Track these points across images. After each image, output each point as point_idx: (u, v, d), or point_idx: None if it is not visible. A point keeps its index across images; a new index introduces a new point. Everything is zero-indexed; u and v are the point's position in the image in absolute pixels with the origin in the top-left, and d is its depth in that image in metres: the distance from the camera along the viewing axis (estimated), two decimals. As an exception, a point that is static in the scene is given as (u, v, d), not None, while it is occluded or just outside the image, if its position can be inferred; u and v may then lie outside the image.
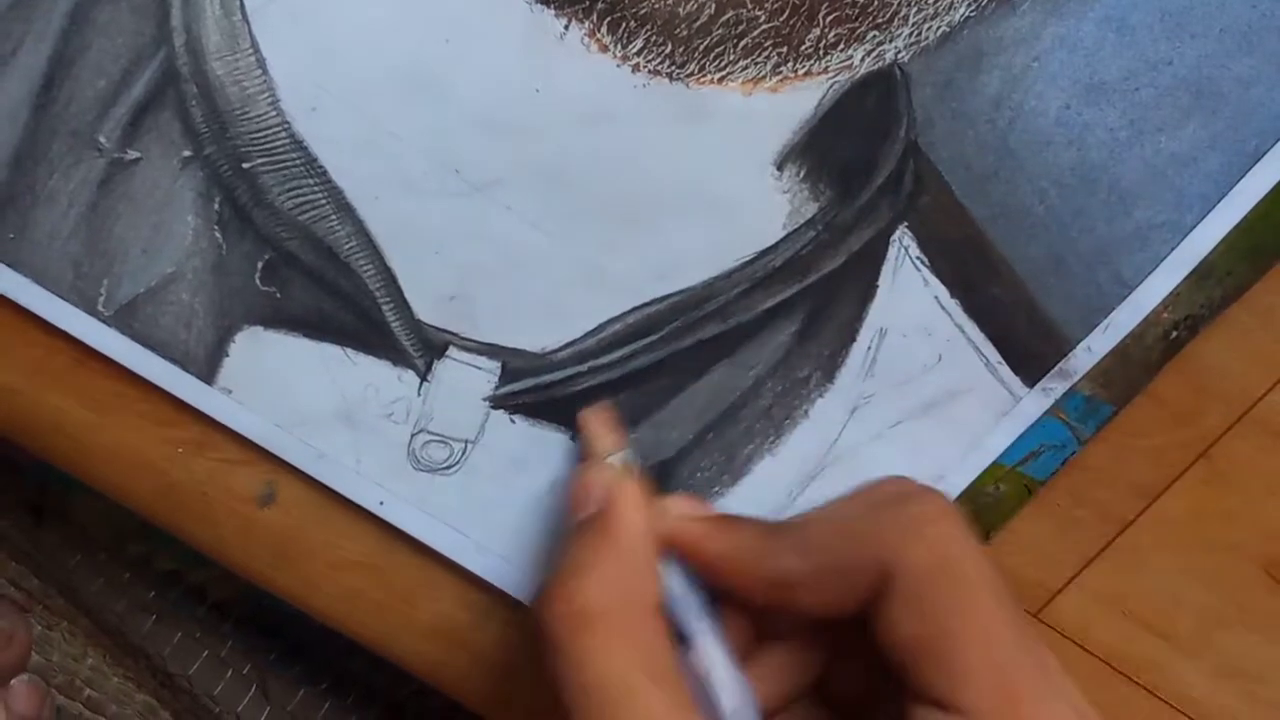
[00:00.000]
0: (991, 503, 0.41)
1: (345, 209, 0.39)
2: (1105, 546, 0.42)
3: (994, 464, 0.41)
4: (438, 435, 0.41)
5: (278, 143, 0.39)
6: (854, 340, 0.40)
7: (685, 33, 0.38)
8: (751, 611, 0.36)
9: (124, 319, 0.40)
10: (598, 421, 0.40)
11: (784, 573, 0.34)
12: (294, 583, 0.43)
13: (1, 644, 0.40)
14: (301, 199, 0.39)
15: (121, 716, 0.47)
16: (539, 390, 0.41)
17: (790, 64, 0.38)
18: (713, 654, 0.35)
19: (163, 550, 0.51)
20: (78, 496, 0.50)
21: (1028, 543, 0.42)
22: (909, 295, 0.40)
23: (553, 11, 0.38)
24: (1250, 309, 0.40)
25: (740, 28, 0.38)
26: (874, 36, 0.38)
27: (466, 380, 0.40)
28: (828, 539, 0.34)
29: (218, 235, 0.40)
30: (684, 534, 0.36)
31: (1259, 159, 0.39)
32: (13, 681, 0.41)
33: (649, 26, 0.38)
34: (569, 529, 0.37)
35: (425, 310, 0.40)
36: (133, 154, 0.39)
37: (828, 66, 0.38)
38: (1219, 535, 0.42)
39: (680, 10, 0.37)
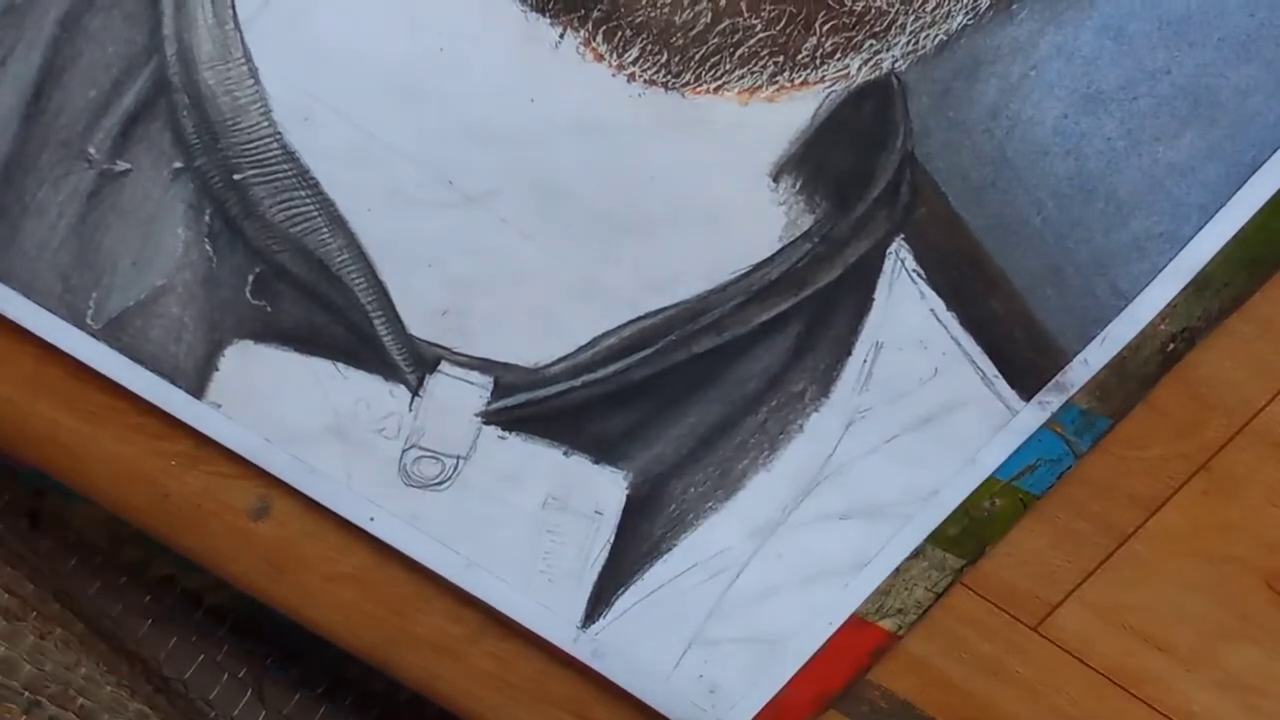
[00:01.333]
0: (987, 518, 0.41)
1: (337, 221, 0.39)
2: (1105, 559, 0.42)
3: (989, 478, 0.41)
4: (429, 451, 0.41)
5: (269, 154, 0.39)
6: (850, 354, 0.40)
7: (681, 41, 0.37)
8: None
9: (113, 332, 0.40)
10: None
11: None
12: (289, 594, 0.43)
13: None
14: (293, 211, 0.39)
15: (114, 726, 0.47)
16: (532, 405, 0.40)
17: (787, 73, 0.38)
18: None
19: (159, 555, 0.51)
20: (74, 501, 0.50)
21: (1027, 555, 0.42)
22: (905, 308, 0.40)
23: (548, 20, 0.38)
24: (1250, 320, 0.40)
25: (736, 36, 0.37)
26: (871, 45, 0.38)
27: (458, 395, 0.40)
28: None
29: (208, 248, 0.39)
30: None
31: (1257, 169, 0.39)
32: None
33: (645, 35, 0.37)
34: None
35: (417, 324, 0.40)
36: (123, 165, 0.39)
37: (824, 75, 0.38)
38: (1220, 547, 0.42)
39: (676, 19, 0.37)
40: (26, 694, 0.44)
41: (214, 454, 0.41)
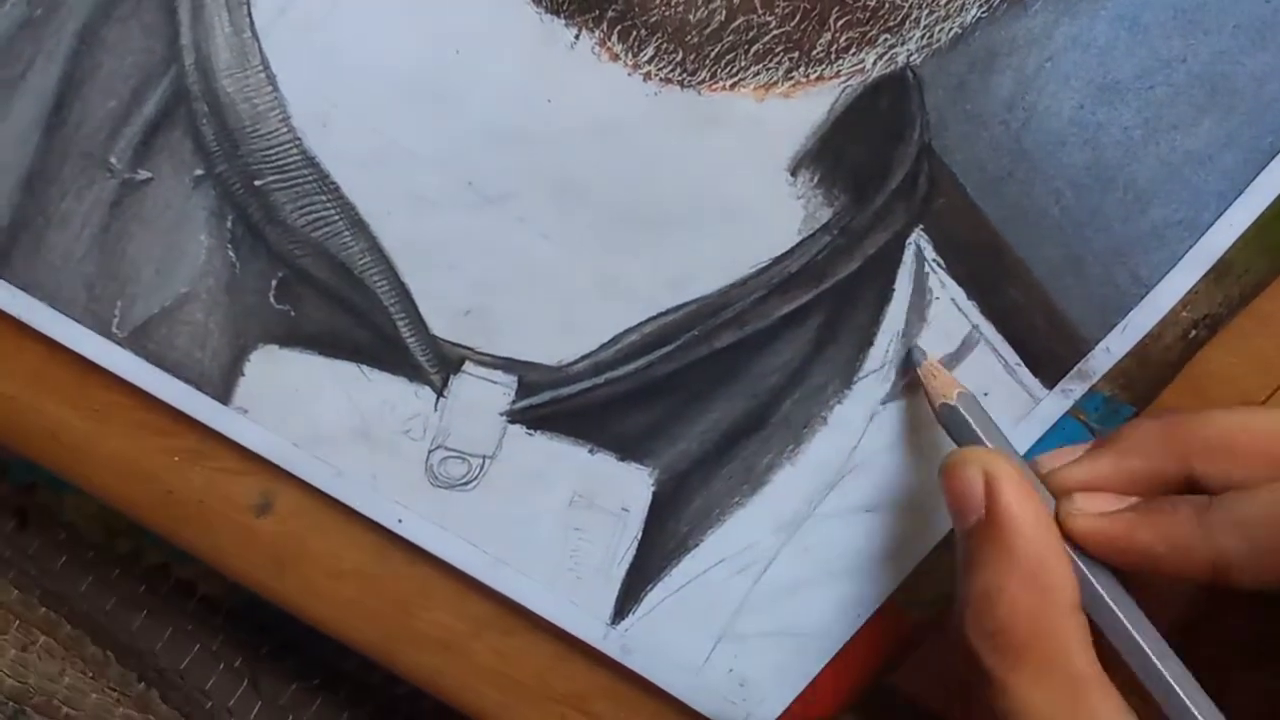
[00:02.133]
0: (1014, 507, 0.41)
1: (358, 225, 0.39)
2: None
3: (1015, 467, 0.41)
4: (455, 451, 0.41)
5: (289, 159, 0.39)
6: (871, 345, 0.40)
7: (696, 40, 0.38)
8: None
9: (138, 340, 0.40)
10: (932, 368, 0.39)
11: (1225, 555, 0.33)
12: (292, 591, 0.43)
13: None
14: (314, 216, 0.39)
15: (101, 734, 0.48)
16: (556, 403, 0.40)
17: (802, 69, 0.38)
18: (1168, 674, 0.33)
19: (152, 545, 0.51)
20: (67, 494, 0.50)
21: None
22: (926, 298, 0.40)
23: (563, 21, 0.38)
24: (1250, 315, 0.40)
25: (751, 33, 0.37)
26: (886, 39, 0.38)
27: (483, 395, 0.40)
28: (1271, 515, 0.33)
29: (231, 254, 0.40)
30: (1107, 531, 0.35)
31: (1275, 155, 0.39)
32: None
33: (659, 34, 0.38)
34: (960, 535, 0.36)
35: (440, 325, 0.40)
36: (144, 174, 0.39)
37: (840, 70, 0.38)
38: None
39: (691, 17, 0.37)
40: (11, 704, 0.44)
41: (217, 450, 0.41)
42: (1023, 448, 0.40)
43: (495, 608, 0.42)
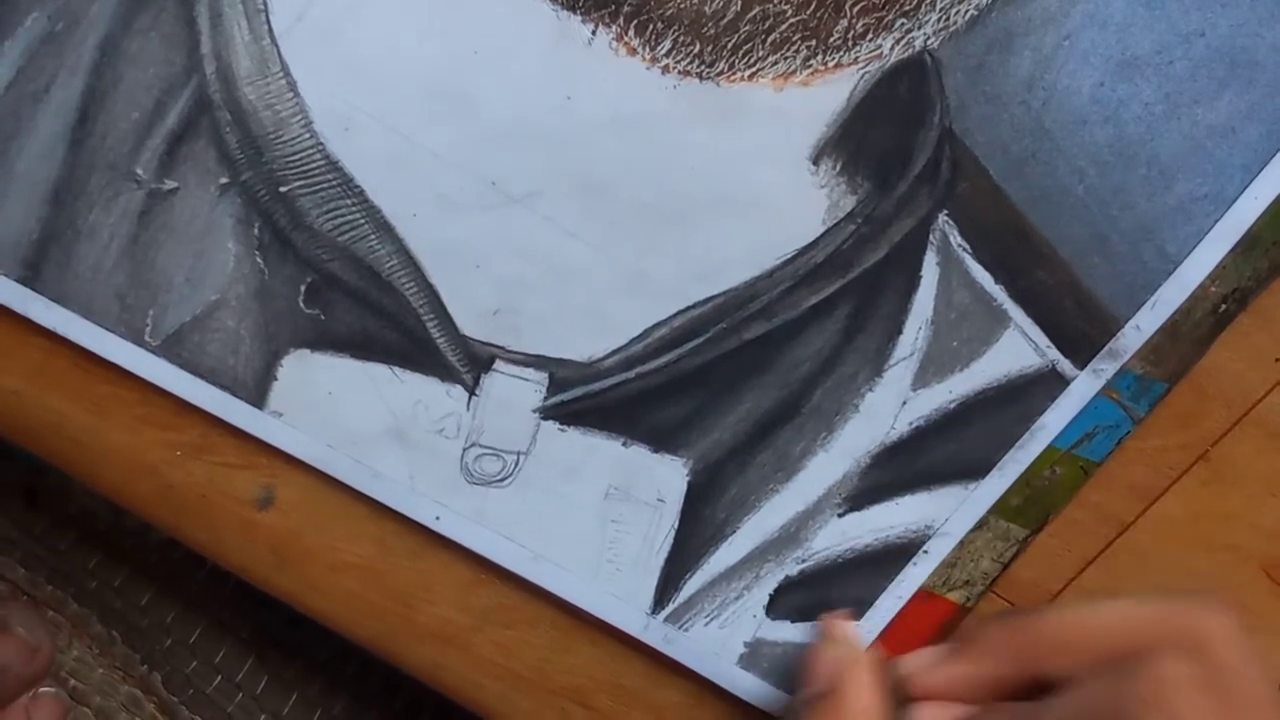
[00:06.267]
0: (1048, 487, 0.41)
1: (384, 228, 0.39)
2: (1104, 548, 0.41)
3: (1049, 448, 0.40)
4: (490, 448, 0.41)
5: (313, 165, 0.39)
6: (900, 332, 0.40)
7: (713, 31, 0.38)
8: None
9: (172, 348, 0.40)
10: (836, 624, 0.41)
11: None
12: (294, 585, 0.43)
13: (27, 656, 0.40)
14: (340, 220, 0.39)
15: (105, 708, 0.48)
16: (588, 399, 0.40)
17: (820, 56, 0.38)
18: None
19: None
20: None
21: (1027, 543, 0.42)
22: (953, 283, 0.40)
23: (579, 17, 0.38)
24: (1251, 311, 0.39)
25: (767, 23, 0.37)
26: (902, 24, 0.38)
27: (515, 392, 0.40)
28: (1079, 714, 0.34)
29: (259, 260, 0.40)
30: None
31: (1299, 126, 0.38)
32: (40, 690, 0.41)
33: (676, 27, 0.37)
34: (799, 701, 0.39)
35: (469, 325, 0.40)
36: (170, 184, 0.39)
37: (857, 57, 0.38)
38: (1218, 537, 0.41)
39: (706, 9, 0.37)
40: None
41: (219, 444, 0.42)
42: (1056, 429, 0.40)
43: (495, 601, 0.43)
